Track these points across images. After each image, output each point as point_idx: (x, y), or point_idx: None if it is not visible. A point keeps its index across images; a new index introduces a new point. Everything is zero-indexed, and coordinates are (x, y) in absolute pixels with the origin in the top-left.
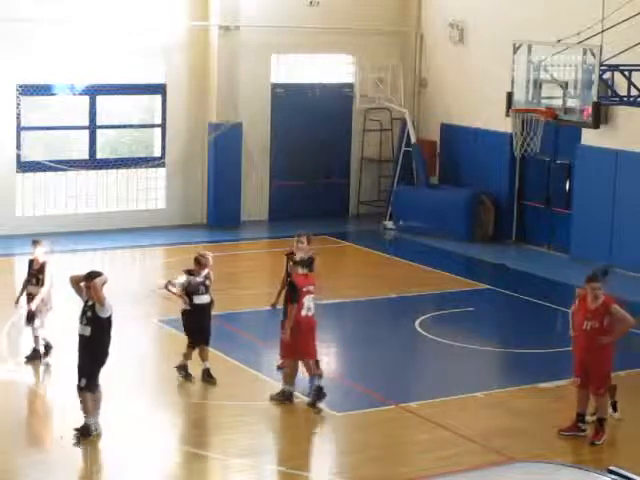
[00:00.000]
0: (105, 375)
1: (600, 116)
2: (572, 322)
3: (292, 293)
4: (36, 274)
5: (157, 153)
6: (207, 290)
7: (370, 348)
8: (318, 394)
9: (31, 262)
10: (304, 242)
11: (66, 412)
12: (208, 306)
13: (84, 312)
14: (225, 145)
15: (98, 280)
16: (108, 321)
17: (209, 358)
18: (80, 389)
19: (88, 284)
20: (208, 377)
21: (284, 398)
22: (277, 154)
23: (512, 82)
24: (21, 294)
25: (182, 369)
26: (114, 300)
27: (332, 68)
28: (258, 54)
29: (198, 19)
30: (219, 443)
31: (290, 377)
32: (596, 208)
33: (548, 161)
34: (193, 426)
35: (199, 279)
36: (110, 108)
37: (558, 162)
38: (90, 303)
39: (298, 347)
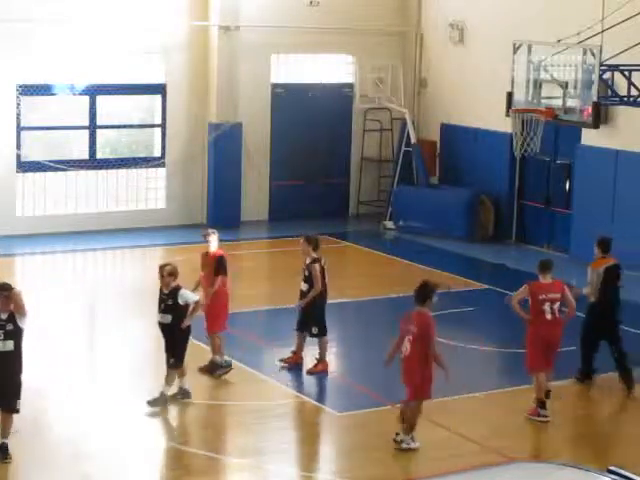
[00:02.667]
0: (106, 375)
1: (600, 116)
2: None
3: (222, 266)
4: None
5: (157, 153)
6: (168, 309)
7: (370, 348)
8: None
9: None
10: (302, 245)
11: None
12: (167, 327)
13: (1, 327)
14: (225, 145)
15: (18, 290)
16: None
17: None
18: (17, 411)
19: (7, 295)
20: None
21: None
22: (277, 154)
23: (512, 82)
24: None
25: (179, 394)
26: (114, 300)
27: (332, 68)
28: (258, 54)
29: (198, 19)
30: (219, 443)
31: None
32: (596, 208)
33: (548, 161)
34: (193, 426)
35: (163, 295)
36: (110, 108)
37: (558, 162)
38: (4, 317)
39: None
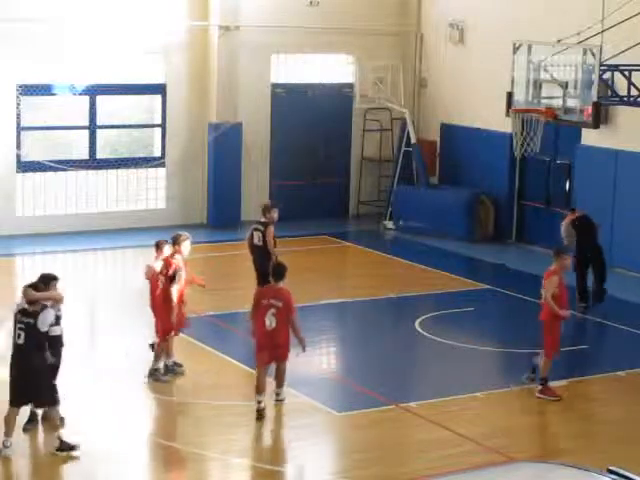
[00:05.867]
0: (105, 375)
1: (600, 116)
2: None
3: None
4: None
5: (157, 153)
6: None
7: (370, 348)
8: None
9: None
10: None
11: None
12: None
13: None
14: (225, 145)
15: None
16: None
17: None
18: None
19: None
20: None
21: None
22: (277, 154)
23: (512, 82)
24: None
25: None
26: (114, 300)
27: (332, 68)
28: (258, 54)
29: (198, 19)
30: (219, 443)
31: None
32: (596, 208)
33: (548, 161)
34: (193, 426)
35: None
36: (110, 108)
37: (558, 162)
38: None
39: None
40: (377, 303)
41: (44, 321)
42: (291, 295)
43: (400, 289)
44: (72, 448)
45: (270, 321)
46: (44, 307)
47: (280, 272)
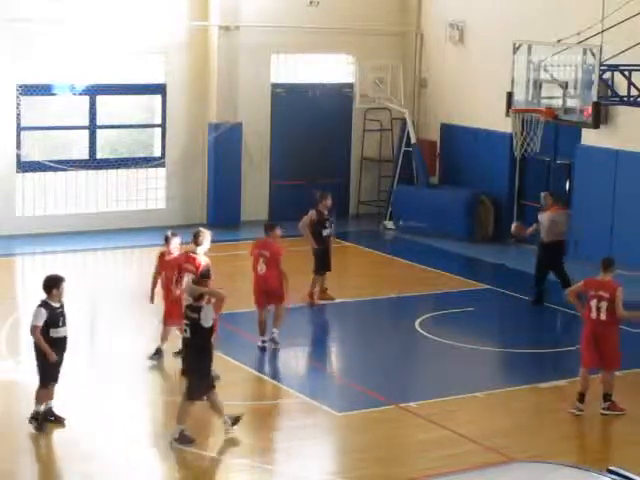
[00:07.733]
0: (105, 375)
1: (600, 116)
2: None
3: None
4: None
5: (157, 153)
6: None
7: (370, 348)
8: None
9: None
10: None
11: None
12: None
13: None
14: (225, 145)
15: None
16: None
17: None
18: None
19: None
20: (51, 417)
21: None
22: (277, 154)
23: (512, 82)
24: None
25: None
26: (114, 301)
27: (332, 68)
28: (258, 54)
29: (198, 19)
30: (219, 443)
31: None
32: (596, 208)
33: (548, 161)
34: (193, 426)
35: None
36: (110, 108)
37: (558, 162)
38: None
39: None
40: (377, 303)
41: (206, 317)
42: (278, 246)
43: (400, 289)
44: (237, 420)
45: (261, 267)
46: (207, 303)
47: (269, 227)
